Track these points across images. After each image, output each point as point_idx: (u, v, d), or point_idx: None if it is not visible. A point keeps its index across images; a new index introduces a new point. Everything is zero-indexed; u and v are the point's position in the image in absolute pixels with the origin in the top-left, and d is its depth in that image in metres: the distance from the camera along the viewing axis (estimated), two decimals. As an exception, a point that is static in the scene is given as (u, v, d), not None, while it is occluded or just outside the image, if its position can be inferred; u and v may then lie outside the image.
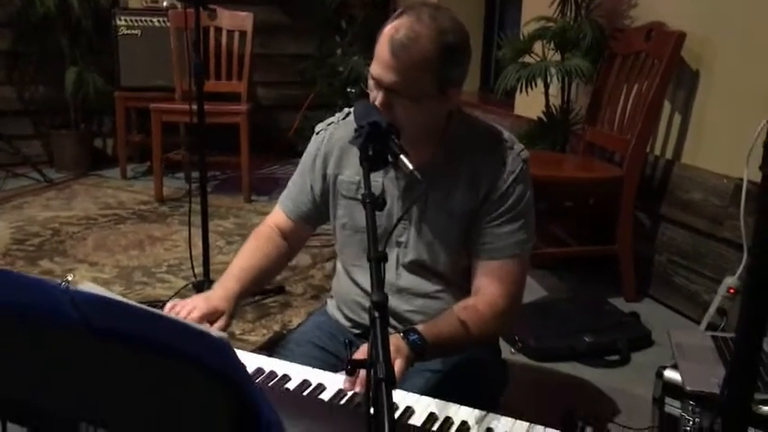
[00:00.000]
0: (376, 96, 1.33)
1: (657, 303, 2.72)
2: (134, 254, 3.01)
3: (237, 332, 2.34)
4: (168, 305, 1.38)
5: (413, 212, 1.45)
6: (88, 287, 0.95)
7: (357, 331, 1.56)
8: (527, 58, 3.03)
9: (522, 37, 3.11)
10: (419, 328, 1.29)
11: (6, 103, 4.31)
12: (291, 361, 1.35)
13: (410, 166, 1.21)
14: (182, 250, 3.02)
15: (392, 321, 1.49)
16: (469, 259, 1.46)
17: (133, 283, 2.69)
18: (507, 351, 2.29)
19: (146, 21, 4.14)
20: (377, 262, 1.04)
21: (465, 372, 1.45)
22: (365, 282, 1.50)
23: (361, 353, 1.18)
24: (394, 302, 1.48)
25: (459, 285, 1.48)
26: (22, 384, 1.11)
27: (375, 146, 1.26)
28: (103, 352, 0.94)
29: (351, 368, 0.98)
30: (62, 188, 4.00)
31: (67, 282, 0.95)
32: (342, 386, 1.21)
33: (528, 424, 1.14)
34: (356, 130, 1.29)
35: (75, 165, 4.35)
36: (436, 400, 1.20)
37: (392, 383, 0.87)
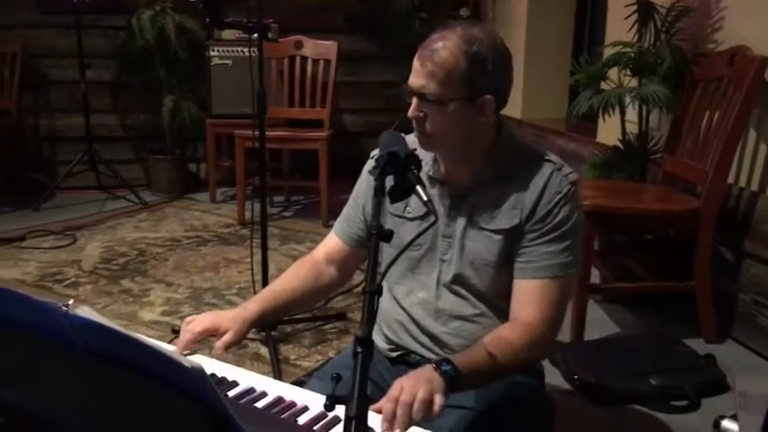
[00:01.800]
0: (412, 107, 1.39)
1: (740, 345, 2.53)
2: (208, 275, 3.12)
3: (292, 357, 2.37)
4: (187, 319, 1.43)
5: (456, 230, 1.45)
6: (85, 312, 1.00)
7: (394, 354, 1.55)
8: (603, 84, 2.93)
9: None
10: (452, 358, 1.26)
11: (109, 130, 4.60)
12: (320, 388, 1.34)
13: (425, 198, 1.20)
14: (255, 273, 3.09)
15: (427, 342, 1.48)
16: (510, 281, 1.43)
17: (202, 304, 2.79)
18: (564, 389, 2.19)
19: (237, 51, 4.32)
20: (370, 295, 1.02)
21: (502, 410, 1.41)
22: (407, 300, 1.51)
23: (397, 388, 1.16)
24: (431, 323, 1.48)
25: (499, 310, 1.45)
26: (25, 394, 1.17)
27: (395, 176, 1.26)
28: (96, 371, 0.98)
29: (329, 404, 0.96)
30: (154, 210, 4.21)
31: (67, 306, 1.00)
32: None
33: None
34: (375, 160, 1.29)
35: (169, 188, 4.57)
36: None
37: (362, 420, 0.85)
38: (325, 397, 1.01)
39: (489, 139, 1.45)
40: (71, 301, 1.00)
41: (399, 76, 4.95)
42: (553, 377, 2.22)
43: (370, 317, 0.99)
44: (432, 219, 1.23)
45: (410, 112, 1.40)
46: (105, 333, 0.96)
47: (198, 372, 0.90)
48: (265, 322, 1.55)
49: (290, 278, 1.60)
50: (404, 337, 1.52)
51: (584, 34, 4.53)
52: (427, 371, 1.22)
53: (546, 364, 1.93)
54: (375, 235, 1.13)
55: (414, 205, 1.48)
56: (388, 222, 1.53)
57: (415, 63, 1.37)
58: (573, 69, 3.09)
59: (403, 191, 1.26)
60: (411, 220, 1.47)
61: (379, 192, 1.21)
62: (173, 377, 0.89)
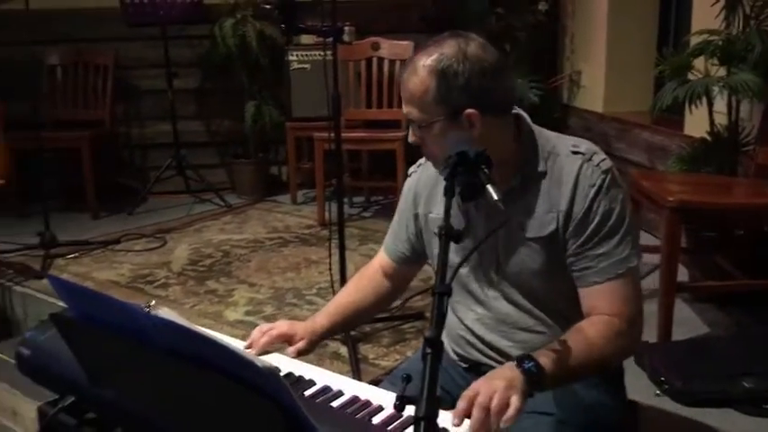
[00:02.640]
0: None
1: (844, 347, 2.38)
2: (290, 276, 3.19)
3: (371, 356, 2.39)
4: (260, 327, 1.47)
5: (499, 242, 1.42)
6: (165, 313, 1.04)
7: (464, 365, 1.54)
8: (690, 75, 2.82)
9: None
10: (534, 354, 1.24)
11: (194, 136, 4.76)
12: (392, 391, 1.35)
13: (495, 197, 1.19)
14: (333, 273, 3.13)
15: (496, 357, 1.46)
16: (566, 285, 1.39)
17: (284, 305, 2.85)
18: (651, 393, 2.12)
19: (315, 55, 4.38)
20: (440, 296, 1.02)
21: (582, 418, 1.37)
22: (467, 316, 1.49)
23: (473, 389, 1.16)
24: (495, 338, 1.46)
25: (561, 316, 1.41)
26: (132, 398, 1.23)
27: (464, 176, 1.25)
28: (177, 370, 1.03)
29: (399, 404, 0.97)
30: (238, 213, 4.34)
31: (149, 307, 1.05)
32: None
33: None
34: (445, 161, 1.28)
35: (252, 191, 4.69)
36: None
37: (431, 421, 0.85)
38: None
39: (502, 147, 1.38)
40: (153, 303, 1.05)
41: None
42: (638, 378, 2.15)
43: (440, 318, 0.99)
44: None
45: (410, 139, 1.41)
46: (183, 333, 1.01)
47: (271, 372, 0.93)
48: (334, 335, 1.58)
49: (353, 291, 1.64)
50: (471, 352, 1.50)
51: (670, 23, 4.36)
52: (507, 369, 1.20)
53: (630, 364, 1.88)
54: (444, 236, 1.13)
55: (455, 222, 1.45)
56: (435, 243, 1.51)
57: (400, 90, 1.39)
58: (657, 60, 2.99)
59: (474, 190, 1.25)
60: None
61: (449, 192, 1.21)
62: (248, 376, 0.92)
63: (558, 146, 1.40)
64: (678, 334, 2.41)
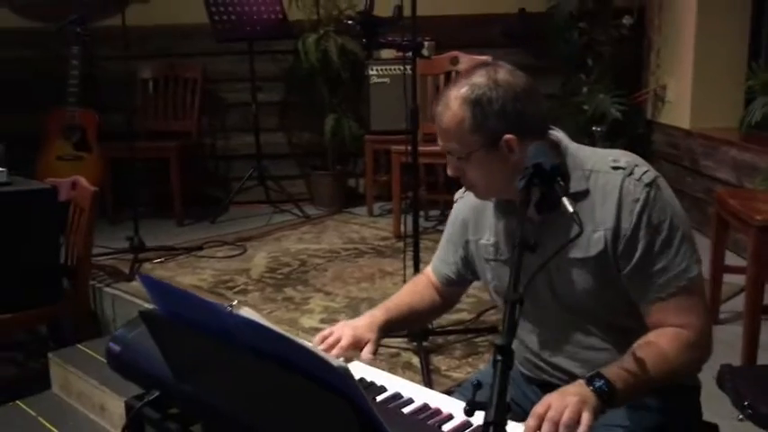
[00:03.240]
0: None
1: None
2: (365, 286, 3.23)
3: (443, 368, 2.40)
4: (322, 333, 1.49)
5: (550, 263, 1.39)
6: (247, 312, 1.09)
7: (533, 383, 1.53)
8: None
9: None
10: (604, 371, 1.23)
11: (276, 148, 4.90)
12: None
13: (570, 209, 1.19)
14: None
15: (564, 378, 1.44)
16: (622, 300, 1.37)
17: (358, 314, 2.87)
18: (733, 417, 2.04)
19: (394, 69, 4.45)
20: (512, 304, 1.03)
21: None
22: (529, 340, 1.49)
23: (543, 405, 1.16)
24: (560, 360, 1.45)
25: (623, 331, 1.39)
26: (210, 394, 1.29)
27: (541, 188, 1.26)
28: (256, 367, 1.07)
29: (469, 410, 0.98)
30: (316, 223, 4.43)
31: (231, 306, 1.10)
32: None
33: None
34: (522, 173, 1.29)
35: (330, 202, 4.78)
36: None
37: (500, 426, 0.86)
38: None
39: None
40: (235, 302, 1.10)
41: (559, 88, 4.87)
42: (720, 402, 2.08)
43: (511, 326, 1.00)
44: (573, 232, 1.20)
45: (449, 171, 1.42)
46: (263, 332, 1.05)
47: (345, 371, 0.96)
48: (390, 332, 1.60)
49: (412, 293, 1.66)
50: (539, 374, 1.49)
51: (762, 37, 4.21)
52: (579, 386, 1.20)
53: (711, 386, 1.82)
54: (518, 246, 1.14)
55: (503, 247, 1.45)
56: (486, 268, 1.51)
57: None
58: (747, 75, 2.89)
59: (549, 203, 1.25)
60: (505, 263, 1.44)
61: (523, 204, 1.21)
62: (323, 375, 0.95)
63: (598, 162, 1.38)
64: (764, 358, 2.31)
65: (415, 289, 1.66)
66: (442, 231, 3.10)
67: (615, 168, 1.36)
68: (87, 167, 4.16)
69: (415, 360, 2.44)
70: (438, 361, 2.45)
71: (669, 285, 1.31)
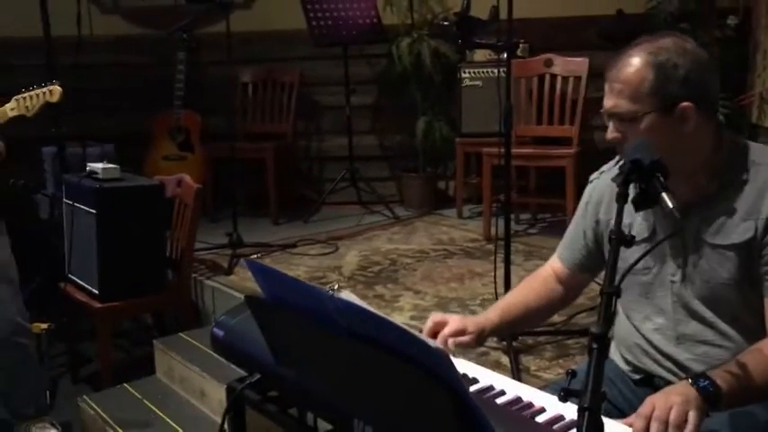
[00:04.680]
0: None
1: None
2: (454, 286, 3.26)
3: (532, 368, 2.39)
4: (434, 315, 1.53)
5: (688, 250, 1.39)
6: (347, 296, 1.14)
7: (637, 376, 1.53)
8: None
9: None
10: (709, 373, 1.22)
11: (368, 150, 4.99)
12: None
13: (670, 205, 1.19)
14: (498, 286, 3.16)
15: (672, 368, 1.44)
16: (754, 297, 1.35)
17: (447, 312, 2.91)
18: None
19: (487, 72, 4.45)
20: (608, 296, 1.04)
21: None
22: (644, 326, 1.48)
23: (648, 405, 1.17)
24: (673, 350, 1.44)
25: (747, 331, 1.37)
26: (311, 377, 1.35)
27: (639, 184, 1.26)
28: (360, 352, 1.12)
29: (563, 396, 0.99)
30: (406, 224, 4.48)
31: (333, 291, 1.15)
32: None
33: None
34: (620, 168, 1.30)
35: (420, 204, 4.82)
36: None
37: (594, 412, 0.87)
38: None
39: (705, 150, 1.37)
40: (336, 287, 1.16)
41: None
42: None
43: (607, 316, 1.01)
44: (682, 226, 1.20)
45: (607, 135, 1.39)
46: (363, 315, 1.10)
47: (442, 354, 0.99)
48: (501, 333, 1.62)
49: (526, 292, 1.66)
50: (646, 362, 1.48)
51: None
52: (682, 386, 1.20)
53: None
54: (615, 239, 1.14)
55: (637, 228, 1.44)
56: (606, 248, 1.51)
57: (605, 86, 1.37)
58: None
59: (648, 198, 1.25)
60: (636, 243, 1.43)
61: (621, 198, 1.22)
62: (420, 357, 0.99)
63: (764, 156, 1.37)
64: None
65: (530, 285, 1.67)
66: (532, 235, 3.06)
67: None
68: (190, 167, 4.38)
69: (505, 359, 2.44)
70: (527, 361, 2.45)
71: None
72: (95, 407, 2.78)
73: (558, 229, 4.13)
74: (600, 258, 1.57)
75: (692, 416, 1.12)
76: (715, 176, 1.37)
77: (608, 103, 1.37)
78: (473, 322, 1.52)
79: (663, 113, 1.32)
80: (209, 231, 4.09)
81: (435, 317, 1.53)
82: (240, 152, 4.15)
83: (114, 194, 3.04)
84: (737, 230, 1.34)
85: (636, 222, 1.44)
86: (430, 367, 0.98)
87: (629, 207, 1.41)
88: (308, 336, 1.27)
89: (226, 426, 1.52)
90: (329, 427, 1.47)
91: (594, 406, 0.87)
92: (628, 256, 1.45)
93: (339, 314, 1.13)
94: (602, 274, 1.55)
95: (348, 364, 1.20)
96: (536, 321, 1.79)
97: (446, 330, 1.48)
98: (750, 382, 1.23)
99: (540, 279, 1.67)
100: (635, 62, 1.33)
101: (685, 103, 1.32)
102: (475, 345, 1.52)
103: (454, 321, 1.51)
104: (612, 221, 1.49)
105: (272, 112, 4.91)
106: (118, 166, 3.15)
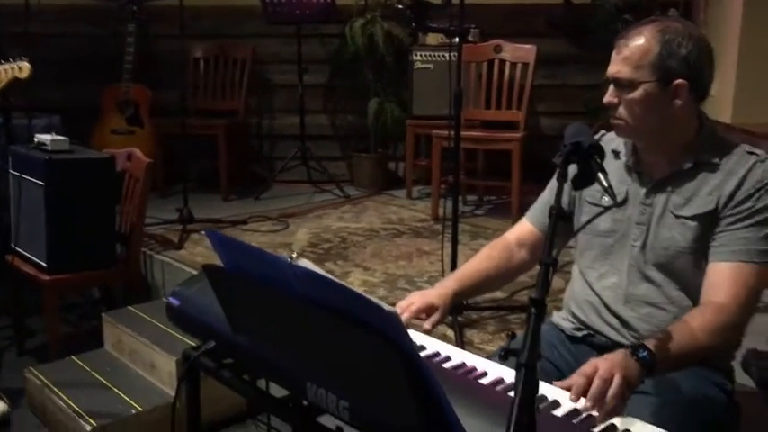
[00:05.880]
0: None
1: None
2: (402, 264, 3.34)
3: (476, 341, 2.50)
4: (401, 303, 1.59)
5: (651, 217, 1.52)
6: (306, 263, 1.20)
7: (579, 334, 1.64)
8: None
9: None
10: (648, 343, 1.32)
11: (320, 129, 5.03)
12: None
13: (605, 184, 1.29)
14: (445, 264, 3.26)
15: (616, 324, 1.56)
16: (702, 268, 1.47)
17: (395, 288, 3.01)
18: (756, 398, 2.11)
19: (438, 56, 4.53)
20: (546, 266, 1.12)
21: (689, 403, 1.43)
22: (598, 284, 1.60)
23: (591, 365, 1.26)
24: (620, 307, 1.56)
25: (691, 298, 1.49)
26: (267, 344, 1.40)
27: (579, 165, 1.35)
28: (316, 317, 1.18)
29: (503, 355, 1.08)
30: (356, 203, 4.55)
31: (291, 258, 1.21)
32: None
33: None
34: (561, 150, 1.39)
35: (370, 184, 4.89)
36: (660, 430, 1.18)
37: (531, 370, 0.96)
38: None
39: (688, 132, 1.50)
40: (294, 255, 1.22)
41: (601, 79, 4.88)
42: (743, 387, 2.14)
43: (544, 285, 1.09)
44: (617, 203, 1.29)
45: (605, 98, 1.50)
46: (321, 281, 1.16)
47: (395, 316, 1.06)
48: (460, 300, 1.69)
49: (484, 259, 1.73)
50: (593, 318, 1.60)
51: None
52: (621, 355, 1.29)
53: (737, 370, 1.89)
54: (555, 215, 1.23)
55: (618, 191, 1.53)
56: (585, 209, 1.62)
57: (613, 53, 1.48)
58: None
59: (586, 179, 1.35)
60: (607, 209, 1.55)
61: (561, 177, 1.31)
62: (374, 320, 1.06)
63: (736, 146, 1.51)
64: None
65: (488, 253, 1.73)
66: (479, 216, 3.11)
67: (750, 153, 1.49)
68: (139, 141, 4.33)
69: (450, 333, 2.54)
70: (471, 335, 2.56)
71: (742, 253, 1.42)
72: (42, 378, 2.77)
73: (503, 210, 4.26)
74: (570, 224, 1.63)
75: (627, 393, 1.22)
76: (691, 156, 1.49)
77: (612, 68, 1.48)
78: (436, 295, 1.57)
79: (660, 85, 1.43)
80: (158, 207, 4.08)
81: (402, 305, 1.57)
82: (191, 128, 4.13)
83: (64, 166, 3.01)
84: (701, 203, 1.46)
85: (615, 185, 1.53)
86: (383, 329, 1.05)
87: (620, 172, 1.56)
88: (266, 303, 1.32)
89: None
90: (283, 392, 1.53)
91: (531, 363, 0.96)
92: (599, 219, 1.56)
93: (297, 280, 1.18)
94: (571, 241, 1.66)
95: (304, 329, 1.25)
96: (493, 288, 1.86)
97: (413, 307, 1.53)
98: (678, 353, 1.34)
99: (499, 247, 1.74)
100: (645, 34, 1.44)
101: (681, 81, 1.43)
102: (443, 318, 1.57)
103: (417, 300, 1.55)
104: (587, 191, 1.59)
105: (223, 89, 4.89)
106: (67, 138, 3.11)
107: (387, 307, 1.05)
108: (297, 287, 1.19)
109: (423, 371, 1.06)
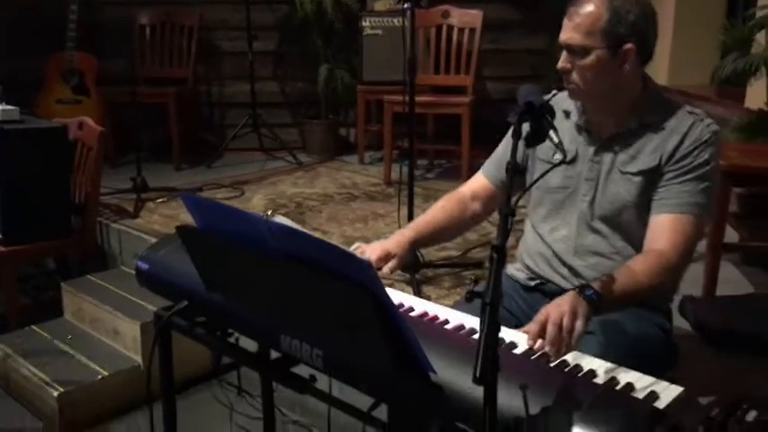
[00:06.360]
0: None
1: None
2: (358, 227, 3.44)
3: (433, 297, 2.62)
4: (354, 245, 1.69)
5: (599, 174, 1.63)
6: (281, 220, 1.28)
7: (532, 283, 1.76)
8: (753, 48, 2.92)
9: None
10: (593, 283, 1.44)
11: (270, 96, 5.03)
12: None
13: (556, 140, 1.40)
14: (399, 226, 3.36)
15: (566, 273, 1.68)
16: (644, 222, 1.59)
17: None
18: (693, 339, 2.28)
19: (387, 21, 4.57)
20: (505, 216, 1.22)
21: (630, 341, 1.55)
22: (550, 236, 1.71)
23: (542, 314, 1.36)
24: (570, 258, 1.68)
25: (635, 249, 1.61)
26: (242, 300, 1.47)
27: (531, 123, 1.45)
28: (291, 271, 1.25)
29: (468, 297, 1.17)
30: (309, 170, 4.60)
31: (267, 215, 1.29)
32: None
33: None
34: (514, 109, 1.48)
35: (322, 150, 4.94)
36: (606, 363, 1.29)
37: (495, 308, 1.06)
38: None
39: (634, 93, 1.61)
40: (269, 212, 1.29)
41: (545, 44, 5.01)
42: (681, 326, 2.31)
43: (505, 231, 1.19)
44: (567, 160, 1.40)
45: (558, 64, 1.59)
46: (296, 235, 1.24)
47: (368, 265, 1.15)
48: (417, 248, 1.78)
49: (439, 210, 1.82)
50: (544, 268, 1.72)
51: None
52: (570, 296, 1.39)
53: (674, 314, 2.04)
54: (510, 170, 1.33)
55: (569, 149, 1.64)
56: (537, 166, 1.72)
57: (565, 20, 1.56)
58: (723, 32, 3.09)
59: (538, 136, 1.45)
60: (557, 165, 1.64)
61: (516, 135, 1.40)
62: (348, 269, 1.14)
63: (678, 106, 1.61)
64: (723, 293, 2.55)
65: (443, 205, 1.82)
66: (430, 179, 3.19)
67: (691, 113, 1.60)
68: (87, 111, 4.25)
69: (408, 289, 2.65)
70: (428, 290, 2.68)
71: (683, 206, 1.54)
72: (4, 347, 2.79)
73: (453, 173, 4.38)
74: (523, 180, 1.73)
75: (578, 324, 1.33)
76: (637, 115, 1.60)
77: (564, 35, 1.56)
78: (394, 243, 1.67)
79: (610, 51, 1.52)
80: (110, 177, 4.05)
81: (356, 246, 1.67)
82: (141, 96, 4.09)
83: (15, 136, 2.98)
84: (646, 160, 1.57)
85: (566, 144, 1.64)
86: (357, 278, 1.13)
87: (570, 131, 1.67)
88: (242, 260, 1.38)
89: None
90: (255, 346, 1.60)
91: (494, 302, 1.06)
92: (550, 175, 1.65)
93: (273, 236, 1.25)
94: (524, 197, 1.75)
95: (279, 283, 1.32)
96: (447, 238, 1.95)
97: (372, 255, 1.62)
98: (621, 292, 1.46)
99: (453, 200, 1.83)
100: (594, 1, 1.52)
101: (629, 45, 1.52)
102: (402, 264, 1.67)
103: (376, 248, 1.65)
104: (539, 149, 1.68)
105: (171, 57, 4.84)
106: (17, 108, 3.08)
107: (361, 257, 1.14)
108: (272, 243, 1.26)
109: (396, 317, 1.15)
